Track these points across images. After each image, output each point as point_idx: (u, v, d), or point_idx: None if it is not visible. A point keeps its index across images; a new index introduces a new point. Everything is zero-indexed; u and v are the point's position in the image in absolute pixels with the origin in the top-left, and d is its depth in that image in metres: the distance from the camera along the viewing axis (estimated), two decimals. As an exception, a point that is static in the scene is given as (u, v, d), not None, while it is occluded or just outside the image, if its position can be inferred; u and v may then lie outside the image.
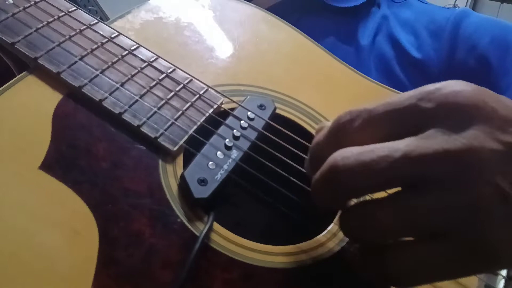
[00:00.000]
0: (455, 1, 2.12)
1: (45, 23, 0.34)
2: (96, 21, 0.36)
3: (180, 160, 0.31)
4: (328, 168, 0.24)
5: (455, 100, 0.23)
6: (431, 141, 0.22)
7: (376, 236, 0.24)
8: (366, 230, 0.24)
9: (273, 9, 0.45)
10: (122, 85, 0.33)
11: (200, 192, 0.29)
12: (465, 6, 2.18)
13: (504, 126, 0.22)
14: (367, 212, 0.24)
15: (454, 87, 0.23)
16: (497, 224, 0.22)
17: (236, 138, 0.33)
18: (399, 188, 0.24)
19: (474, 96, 0.23)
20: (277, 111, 0.36)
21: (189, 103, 0.34)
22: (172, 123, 0.32)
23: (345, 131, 0.25)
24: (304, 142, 0.34)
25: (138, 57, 0.35)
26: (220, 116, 0.34)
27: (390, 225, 0.23)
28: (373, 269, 0.25)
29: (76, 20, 0.36)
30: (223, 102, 0.35)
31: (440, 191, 0.22)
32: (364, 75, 0.42)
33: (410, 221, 0.23)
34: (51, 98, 0.31)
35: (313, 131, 0.36)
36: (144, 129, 0.31)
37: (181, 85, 0.35)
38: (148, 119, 0.31)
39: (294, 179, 0.32)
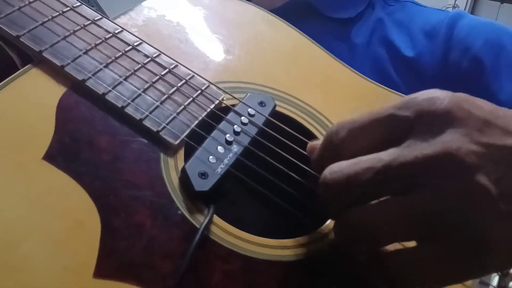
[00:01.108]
0: (455, 1, 2.13)
1: (50, 17, 0.34)
2: (100, 16, 0.37)
3: (181, 153, 0.32)
4: (320, 183, 0.26)
5: (430, 107, 0.24)
6: (411, 148, 0.23)
7: (368, 241, 0.25)
8: (356, 237, 0.25)
9: None
10: (125, 79, 0.33)
11: (201, 185, 0.30)
12: (465, 6, 2.18)
13: (480, 128, 0.23)
14: (354, 219, 0.25)
15: (429, 95, 0.25)
16: (486, 221, 0.22)
17: (236, 133, 0.33)
18: None
19: (448, 101, 0.24)
20: (277, 108, 0.37)
21: (191, 98, 0.34)
22: (174, 117, 0.32)
23: (333, 143, 0.27)
24: (303, 138, 0.35)
25: (141, 52, 0.36)
26: (221, 112, 0.34)
27: (379, 230, 0.24)
28: (374, 272, 0.26)
29: (81, 15, 0.36)
30: (224, 98, 0.36)
31: (424, 194, 0.23)
32: (362, 75, 0.43)
33: (398, 225, 0.24)
34: (55, 91, 0.32)
35: (311, 129, 0.37)
36: (146, 123, 0.31)
37: (183, 81, 0.35)
38: (150, 113, 0.32)
39: (293, 174, 0.32)
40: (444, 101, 0.24)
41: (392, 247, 0.25)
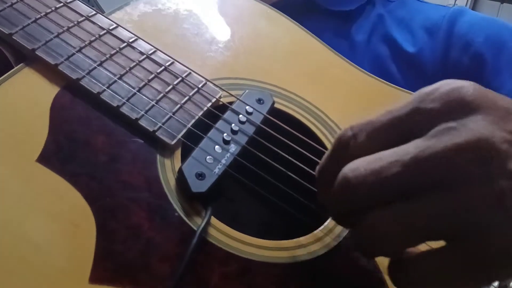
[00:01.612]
0: (455, 1, 2.11)
1: (43, 14, 0.34)
2: (94, 12, 0.36)
3: (178, 154, 0.31)
4: (340, 185, 0.23)
5: (458, 96, 0.23)
6: (440, 138, 0.22)
7: (389, 247, 0.23)
8: (378, 242, 0.23)
9: None
10: (120, 78, 0.32)
11: (198, 186, 0.29)
12: (465, 6, 2.17)
13: (505, 116, 0.22)
14: (378, 221, 0.22)
15: (453, 84, 0.23)
16: None
17: (234, 132, 0.33)
18: None
19: (474, 90, 0.23)
20: (276, 105, 0.36)
21: (188, 97, 0.34)
22: (170, 116, 0.32)
23: (350, 148, 0.24)
24: (302, 136, 0.34)
25: (137, 49, 0.35)
26: (218, 110, 0.34)
27: (409, 236, 0.22)
28: (392, 276, 0.24)
29: (74, 11, 0.35)
30: (222, 96, 0.35)
31: (457, 190, 0.21)
32: (362, 70, 0.42)
33: (431, 227, 0.22)
34: (49, 90, 0.31)
35: (311, 126, 0.36)
36: (142, 123, 0.31)
37: (180, 78, 0.34)
38: (146, 112, 0.31)
39: (291, 174, 0.32)
40: (470, 89, 0.23)
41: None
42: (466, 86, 0.23)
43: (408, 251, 0.24)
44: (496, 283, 0.30)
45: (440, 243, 0.23)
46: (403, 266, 0.23)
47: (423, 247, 0.24)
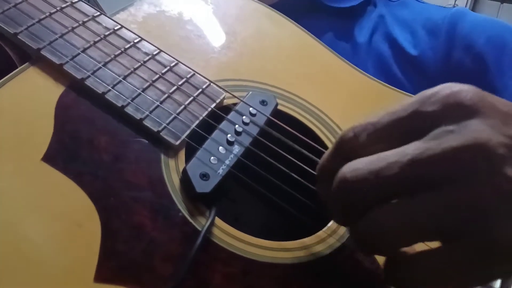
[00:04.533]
0: (455, 1, 2.12)
1: (48, 14, 0.34)
2: (99, 13, 0.36)
3: (182, 154, 0.31)
4: (338, 183, 0.24)
5: (456, 99, 0.23)
6: (438, 141, 0.22)
7: (389, 243, 0.23)
8: (378, 239, 0.23)
9: None
10: (124, 78, 0.33)
11: (202, 187, 0.29)
12: (465, 6, 2.18)
13: (504, 120, 0.23)
14: (378, 219, 0.23)
15: (453, 88, 0.24)
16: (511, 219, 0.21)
17: (238, 133, 0.33)
18: None
19: (473, 94, 0.23)
20: (279, 107, 0.37)
21: (192, 98, 0.34)
22: (175, 117, 0.32)
23: (352, 148, 0.25)
24: (304, 138, 0.34)
25: (141, 50, 0.35)
26: (222, 111, 0.34)
27: (402, 230, 0.23)
28: (390, 276, 0.25)
29: (79, 11, 0.35)
30: (225, 97, 0.35)
31: (452, 189, 0.22)
32: (364, 72, 0.43)
33: (425, 226, 0.22)
34: (54, 89, 0.31)
35: (313, 128, 0.37)
36: (147, 123, 0.31)
37: (184, 79, 0.35)
38: (150, 112, 0.31)
39: (295, 175, 0.32)
40: (468, 93, 0.23)
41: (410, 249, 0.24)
42: (465, 90, 0.24)
43: (405, 251, 0.25)
44: (498, 285, 0.30)
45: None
46: (405, 265, 0.24)
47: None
